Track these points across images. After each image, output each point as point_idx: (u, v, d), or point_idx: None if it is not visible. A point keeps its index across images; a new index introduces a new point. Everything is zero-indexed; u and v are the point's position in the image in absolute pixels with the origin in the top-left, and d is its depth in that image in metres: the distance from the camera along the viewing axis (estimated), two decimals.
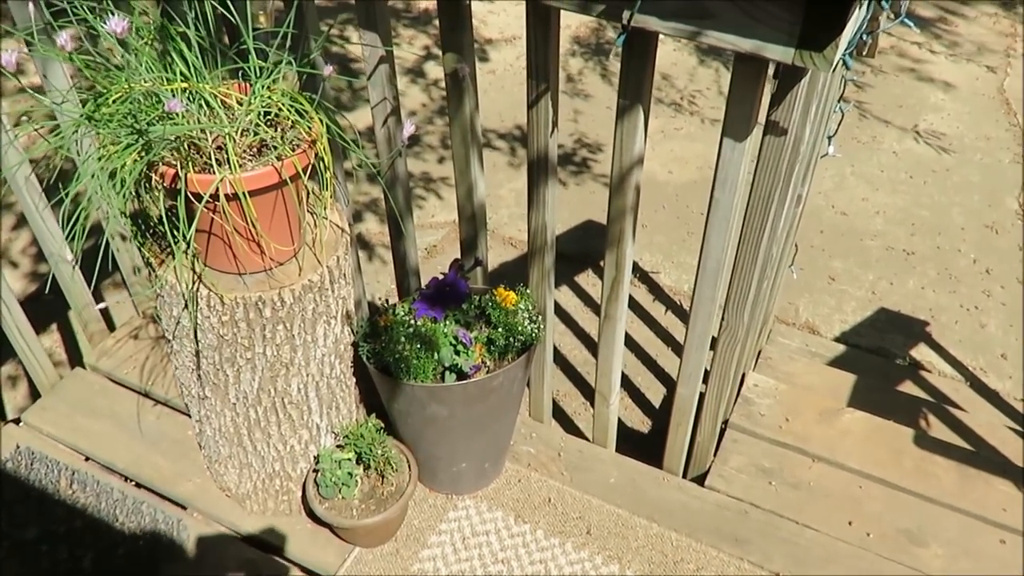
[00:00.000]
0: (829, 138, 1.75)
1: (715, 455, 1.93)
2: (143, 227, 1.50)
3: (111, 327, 2.24)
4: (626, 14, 1.19)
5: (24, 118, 1.28)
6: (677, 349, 2.82)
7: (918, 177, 3.71)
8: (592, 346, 2.78)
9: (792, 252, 2.17)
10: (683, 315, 2.96)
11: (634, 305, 3.00)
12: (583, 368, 2.72)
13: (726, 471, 1.90)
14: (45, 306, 2.68)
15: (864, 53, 4.39)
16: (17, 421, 2.01)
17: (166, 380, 2.05)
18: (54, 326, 2.69)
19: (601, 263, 1.68)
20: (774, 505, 1.82)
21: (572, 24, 4.60)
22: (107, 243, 2.05)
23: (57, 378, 2.08)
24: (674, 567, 1.71)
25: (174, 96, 1.20)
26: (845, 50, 1.14)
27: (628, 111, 1.36)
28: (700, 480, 1.90)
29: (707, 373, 1.77)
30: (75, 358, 2.51)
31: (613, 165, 1.46)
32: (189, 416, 1.99)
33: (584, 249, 3.17)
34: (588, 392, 2.61)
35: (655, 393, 2.66)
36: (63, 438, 1.95)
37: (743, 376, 2.15)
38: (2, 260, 3.05)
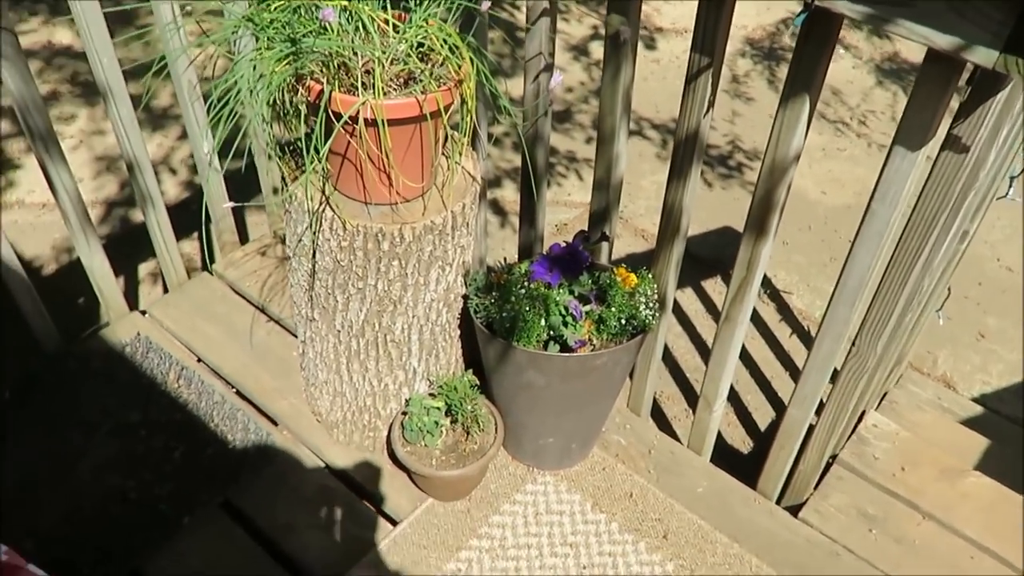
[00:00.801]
0: (1012, 179, 1.59)
1: (815, 488, 1.81)
2: (284, 144, 1.52)
3: (243, 241, 2.32)
4: None
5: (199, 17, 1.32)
6: (795, 375, 2.66)
7: None
8: (707, 354, 2.66)
9: (944, 296, 2.00)
10: (809, 341, 2.78)
11: (759, 322, 2.86)
12: (692, 375, 2.62)
13: (824, 507, 1.77)
14: (192, 215, 2.82)
15: None
16: (143, 312, 2.11)
17: (282, 300, 2.11)
18: (195, 235, 2.82)
19: (731, 272, 1.59)
20: (870, 555, 1.69)
21: (748, 25, 4.42)
22: (252, 160, 2.12)
23: (186, 279, 2.17)
24: None
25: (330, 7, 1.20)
26: None
27: (793, 100, 1.26)
28: (793, 511, 1.78)
29: (823, 402, 1.65)
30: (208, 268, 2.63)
31: (765, 157, 1.37)
32: (297, 337, 2.03)
33: (717, 255, 3.05)
34: (693, 400, 2.51)
35: (763, 415, 2.53)
36: (180, 335, 2.04)
37: (862, 413, 2.00)
38: (153, 166, 3.21)
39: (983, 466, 2.04)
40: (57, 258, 2.74)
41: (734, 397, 2.55)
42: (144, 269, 2.71)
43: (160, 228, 2.02)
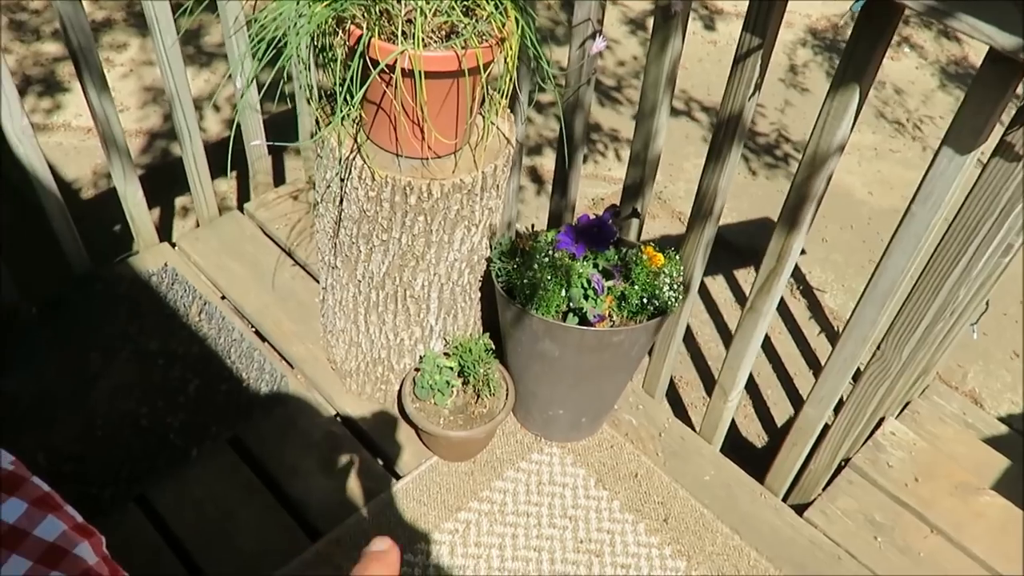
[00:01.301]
0: None
1: (824, 490, 1.78)
2: (323, 89, 1.51)
3: (279, 183, 2.32)
4: None
5: None
6: (820, 374, 2.63)
7: None
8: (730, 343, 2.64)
9: (981, 310, 1.94)
10: (837, 341, 2.75)
11: (787, 317, 2.82)
12: (714, 363, 2.59)
13: (831, 509, 1.75)
14: (233, 153, 2.83)
15: None
16: (173, 244, 2.13)
17: (310, 245, 2.11)
18: (234, 174, 2.84)
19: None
20: (873, 562, 1.66)
21: (813, 14, 4.31)
22: (295, 109, 2.11)
23: (218, 216, 2.18)
24: None
25: None
26: None
27: (842, 88, 1.22)
28: (799, 510, 1.76)
29: (841, 403, 1.62)
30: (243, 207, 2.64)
31: (808, 146, 1.33)
32: (319, 284, 2.04)
33: (753, 245, 3.00)
34: (711, 387, 2.49)
35: (781, 411, 2.50)
36: (206, 270, 2.05)
37: (881, 420, 1.96)
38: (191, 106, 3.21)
39: (1001, 486, 1.99)
40: (96, 183, 2.78)
41: (754, 391, 2.52)
42: (179, 203, 2.74)
43: (195, 162, 2.03)
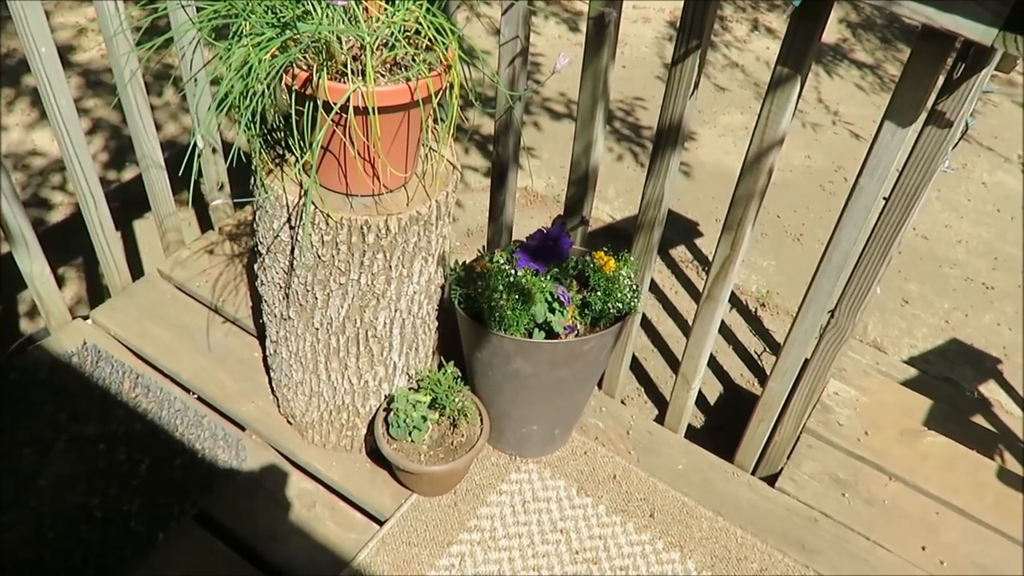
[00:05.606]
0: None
1: (787, 458, 1.86)
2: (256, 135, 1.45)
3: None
4: None
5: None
6: (738, 348, 2.76)
7: (1006, 212, 3.58)
8: (650, 332, 2.72)
9: None
10: (747, 314, 2.89)
11: (697, 296, 2.93)
12: (640, 353, 2.66)
13: (798, 475, 1.83)
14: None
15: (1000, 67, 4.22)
16: (85, 318, 1.98)
17: (237, 299, 2.02)
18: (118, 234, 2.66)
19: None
20: (845, 517, 1.75)
21: (666, 8, 4.49)
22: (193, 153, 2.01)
23: (130, 282, 2.05)
24: (737, 564, 1.65)
25: None
26: None
27: (784, 82, 1.28)
28: (769, 480, 1.83)
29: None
30: (134, 267, 2.48)
31: (752, 141, 1.39)
32: (256, 337, 1.95)
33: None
34: (640, 377, 2.56)
35: (710, 389, 2.59)
36: (130, 341, 1.92)
37: None
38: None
39: (930, 424, 2.15)
40: None
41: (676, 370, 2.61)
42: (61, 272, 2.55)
43: (102, 228, 1.90)
